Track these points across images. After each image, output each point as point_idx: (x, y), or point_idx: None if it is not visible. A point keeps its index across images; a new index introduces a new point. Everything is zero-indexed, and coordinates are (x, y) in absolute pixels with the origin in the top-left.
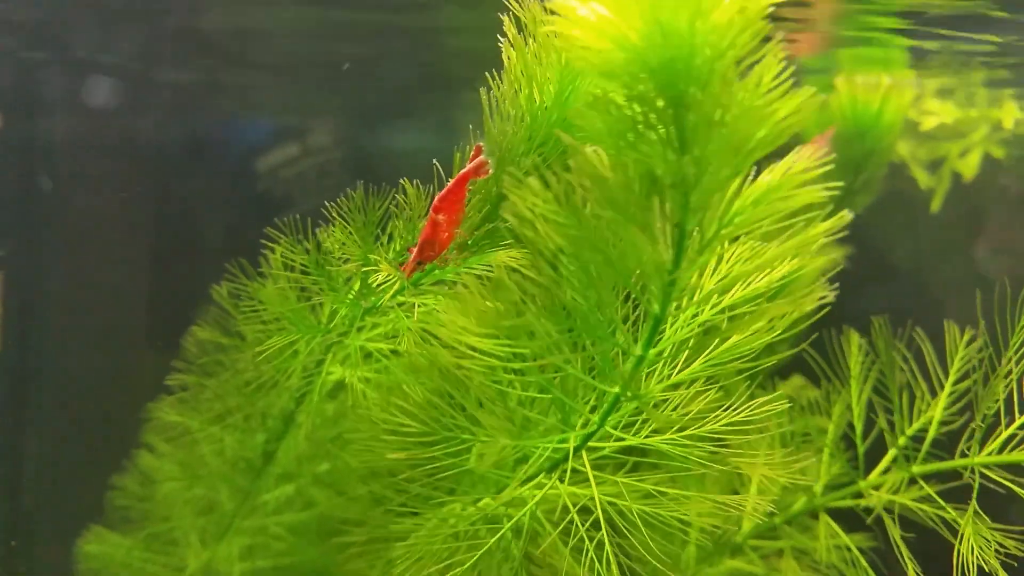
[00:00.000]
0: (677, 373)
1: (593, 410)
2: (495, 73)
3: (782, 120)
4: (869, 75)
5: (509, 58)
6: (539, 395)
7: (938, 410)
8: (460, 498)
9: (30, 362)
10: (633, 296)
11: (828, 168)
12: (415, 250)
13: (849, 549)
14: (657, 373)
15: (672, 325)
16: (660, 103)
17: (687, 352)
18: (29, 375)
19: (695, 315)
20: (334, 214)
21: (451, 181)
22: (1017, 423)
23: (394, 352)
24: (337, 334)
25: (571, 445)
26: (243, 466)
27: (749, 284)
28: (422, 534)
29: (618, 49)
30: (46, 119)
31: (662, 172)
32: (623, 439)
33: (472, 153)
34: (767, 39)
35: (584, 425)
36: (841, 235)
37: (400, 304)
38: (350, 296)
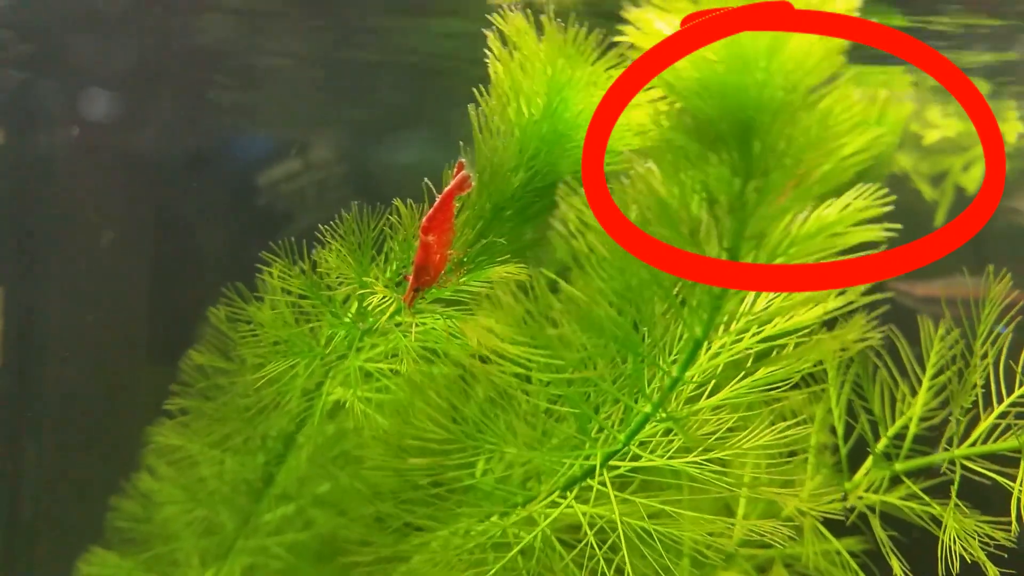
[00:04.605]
0: (708, 397)
1: (608, 422)
2: (483, 88)
3: (848, 156)
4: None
5: (496, 72)
6: (567, 409)
7: (918, 406)
8: (469, 511)
9: (29, 378)
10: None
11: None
12: (411, 277)
13: (839, 554)
14: (687, 394)
15: (708, 349)
16: (728, 127)
17: (719, 376)
18: (28, 391)
19: (736, 341)
20: (329, 236)
21: (437, 200)
22: (996, 411)
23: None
24: (336, 356)
25: (597, 462)
26: (244, 488)
27: (792, 317)
28: (432, 549)
29: (692, 67)
30: (44, 133)
31: (721, 196)
32: (639, 457)
33: (455, 169)
34: (838, 75)
35: (606, 442)
36: None
37: (398, 325)
38: (347, 318)
